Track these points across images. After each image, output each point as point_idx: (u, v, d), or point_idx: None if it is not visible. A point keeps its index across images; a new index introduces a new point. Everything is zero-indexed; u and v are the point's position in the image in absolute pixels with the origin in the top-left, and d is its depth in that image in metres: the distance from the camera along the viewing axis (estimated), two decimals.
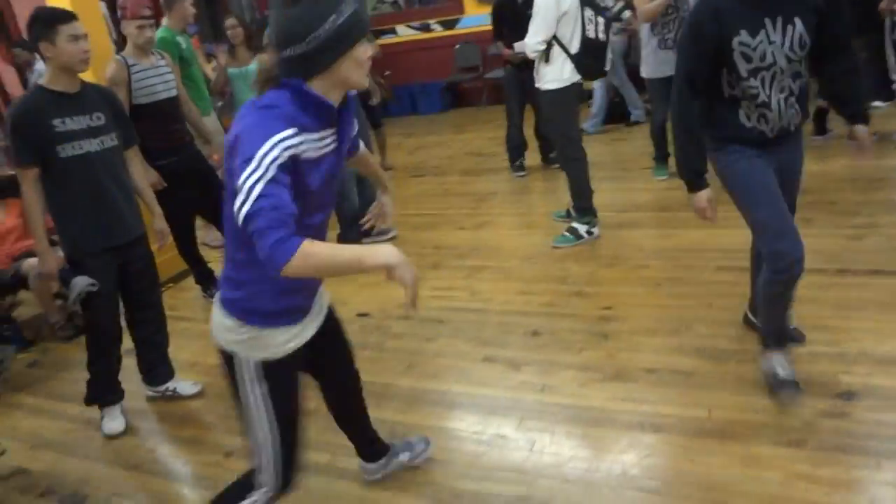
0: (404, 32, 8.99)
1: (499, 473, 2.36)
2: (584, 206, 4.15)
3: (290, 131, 1.46)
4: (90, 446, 2.95)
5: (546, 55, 3.90)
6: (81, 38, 2.66)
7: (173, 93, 3.79)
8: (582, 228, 4.13)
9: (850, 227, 3.81)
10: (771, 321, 2.51)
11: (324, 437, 2.44)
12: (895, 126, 5.35)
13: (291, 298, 1.73)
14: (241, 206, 1.40)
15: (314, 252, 1.41)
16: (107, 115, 2.80)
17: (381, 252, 1.47)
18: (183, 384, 3.19)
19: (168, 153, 3.74)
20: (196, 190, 3.88)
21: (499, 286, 3.81)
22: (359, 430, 2.29)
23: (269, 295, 1.65)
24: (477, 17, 8.48)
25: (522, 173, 5.79)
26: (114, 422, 2.98)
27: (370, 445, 2.34)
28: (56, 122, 2.64)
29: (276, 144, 1.43)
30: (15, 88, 7.08)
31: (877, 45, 5.21)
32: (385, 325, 3.54)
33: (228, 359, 1.71)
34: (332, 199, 1.71)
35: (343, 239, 4.49)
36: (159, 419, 3.10)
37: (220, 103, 5.56)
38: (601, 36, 3.92)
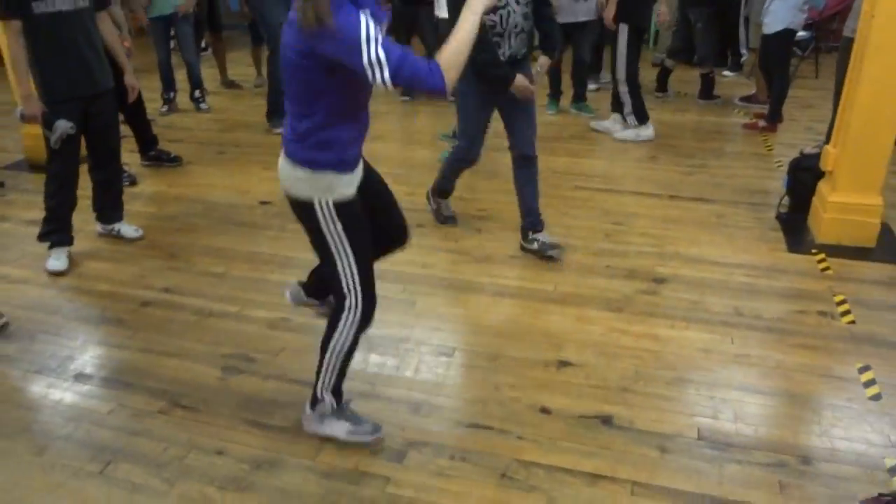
0: None
1: (385, 321, 2.82)
2: None
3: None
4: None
5: None
6: None
7: None
8: None
9: (686, 165, 4.60)
10: (445, 181, 3.63)
11: (233, 293, 2.85)
12: (737, 91, 6.26)
13: (354, 149, 1.96)
14: (380, 74, 1.62)
15: (449, 57, 1.67)
16: None
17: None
18: (126, 228, 3.62)
19: None
20: None
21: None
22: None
23: (339, 147, 1.90)
24: None
25: (407, 97, 6.23)
26: (58, 261, 3.31)
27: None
28: None
29: (365, 18, 1.64)
30: None
31: (708, 16, 5.63)
32: (285, 212, 3.80)
33: (304, 206, 1.94)
34: None
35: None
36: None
37: None
38: None
